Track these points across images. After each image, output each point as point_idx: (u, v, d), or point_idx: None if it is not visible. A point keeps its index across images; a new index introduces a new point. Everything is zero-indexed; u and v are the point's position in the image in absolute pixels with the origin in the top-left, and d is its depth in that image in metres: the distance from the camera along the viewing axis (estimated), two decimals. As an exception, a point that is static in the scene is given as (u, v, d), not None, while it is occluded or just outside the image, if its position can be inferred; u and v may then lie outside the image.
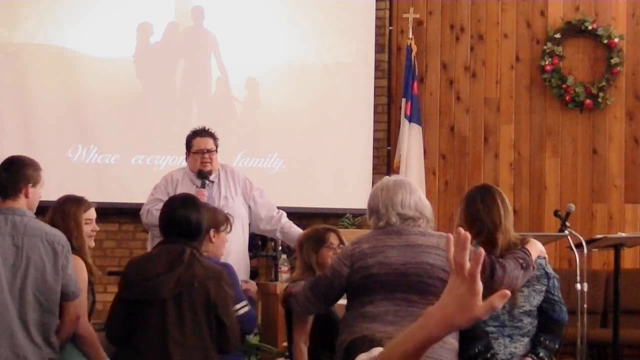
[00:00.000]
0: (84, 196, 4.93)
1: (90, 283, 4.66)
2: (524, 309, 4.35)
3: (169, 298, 4.20)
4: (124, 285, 4.34)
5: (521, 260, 4.22)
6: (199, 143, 6.20)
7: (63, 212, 4.69)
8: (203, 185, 6.11)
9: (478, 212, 4.33)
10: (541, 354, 4.43)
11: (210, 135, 6.25)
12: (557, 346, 4.51)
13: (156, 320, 4.21)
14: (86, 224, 4.73)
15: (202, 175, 6.15)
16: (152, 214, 5.95)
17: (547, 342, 4.44)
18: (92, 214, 4.81)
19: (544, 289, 4.41)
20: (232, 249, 6.09)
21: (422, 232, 4.14)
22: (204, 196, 6.02)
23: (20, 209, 4.42)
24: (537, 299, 4.38)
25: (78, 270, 4.54)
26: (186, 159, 6.32)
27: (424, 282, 4.04)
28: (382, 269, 4.08)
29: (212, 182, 6.19)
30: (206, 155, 6.17)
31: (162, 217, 4.41)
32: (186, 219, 4.33)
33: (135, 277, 4.27)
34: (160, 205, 5.94)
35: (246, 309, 4.66)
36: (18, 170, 4.49)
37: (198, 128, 6.33)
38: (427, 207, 4.21)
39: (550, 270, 4.50)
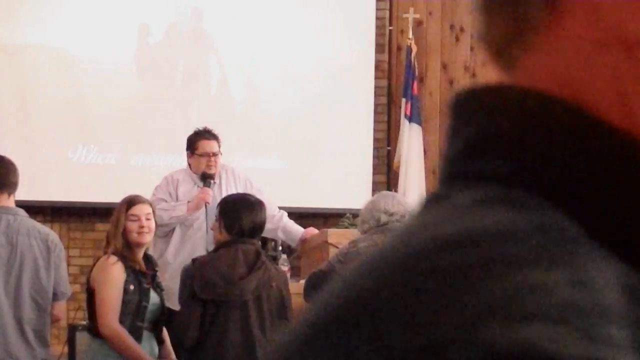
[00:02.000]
0: (139, 195, 4.82)
1: (139, 283, 4.52)
2: None
3: (250, 299, 4.27)
4: (201, 286, 4.33)
5: None
6: (204, 146, 6.14)
7: (115, 211, 4.64)
8: (208, 185, 6.11)
9: None
10: None
11: (215, 137, 6.21)
12: None
13: (239, 321, 4.28)
14: (131, 220, 4.64)
15: (207, 176, 6.15)
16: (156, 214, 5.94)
17: None
18: (137, 209, 4.68)
19: None
20: None
21: None
22: (209, 195, 6.03)
23: (14, 208, 4.41)
24: None
25: (108, 270, 4.47)
26: (188, 159, 6.28)
27: None
28: None
29: (215, 182, 6.19)
30: (212, 159, 6.14)
31: (232, 217, 4.44)
32: (254, 220, 4.43)
33: (216, 279, 4.29)
34: (163, 205, 5.95)
35: None
36: (14, 169, 4.48)
37: (201, 129, 6.28)
38: (412, 207, 4.36)
39: None
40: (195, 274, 4.38)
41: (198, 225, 6.07)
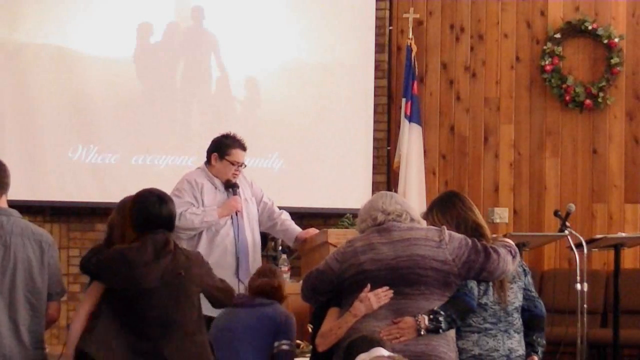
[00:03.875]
0: None
1: None
2: (515, 305, 4.42)
3: (158, 287, 4.28)
4: (109, 274, 4.30)
5: (509, 248, 4.36)
6: (238, 155, 6.13)
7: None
8: (235, 193, 6.13)
9: (460, 213, 4.43)
10: (539, 352, 4.52)
11: (246, 149, 6.21)
12: (544, 341, 4.60)
13: (146, 308, 4.27)
14: None
15: (231, 184, 6.15)
16: (185, 217, 5.94)
17: (539, 339, 4.55)
18: None
19: (523, 285, 4.49)
20: (250, 250, 6.16)
21: (409, 227, 4.28)
22: (239, 203, 6.10)
23: (7, 209, 4.38)
24: (520, 295, 4.47)
25: None
26: (213, 160, 6.16)
27: (416, 273, 4.15)
28: (374, 264, 4.19)
29: (238, 188, 6.20)
30: (240, 169, 6.16)
31: (142, 212, 4.40)
32: (167, 213, 4.42)
33: (121, 266, 4.27)
34: (194, 209, 6.02)
35: (287, 347, 4.89)
36: (5, 169, 4.45)
37: (236, 136, 6.20)
38: (410, 207, 4.42)
39: (525, 266, 4.59)
40: (108, 261, 4.31)
41: (226, 232, 6.10)
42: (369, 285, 4.13)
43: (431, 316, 4.10)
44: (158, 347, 4.26)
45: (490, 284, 4.34)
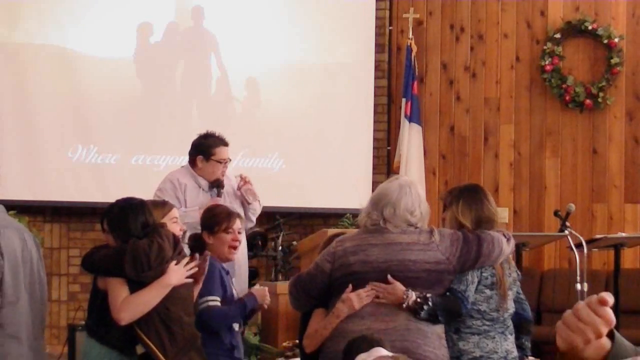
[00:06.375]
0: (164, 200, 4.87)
1: None
2: (510, 312, 4.41)
3: None
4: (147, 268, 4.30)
5: (500, 231, 4.35)
6: (221, 152, 6.11)
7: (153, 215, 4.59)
8: (219, 194, 6.09)
9: (484, 212, 4.39)
10: (529, 355, 4.53)
11: (228, 144, 6.19)
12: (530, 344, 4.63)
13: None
14: (174, 222, 4.66)
15: (217, 184, 6.12)
16: None
17: (527, 342, 4.56)
18: (176, 212, 4.72)
19: (517, 291, 4.49)
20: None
21: (403, 230, 4.21)
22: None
23: (1, 207, 4.39)
24: (512, 302, 4.46)
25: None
26: (199, 162, 6.15)
27: (407, 276, 4.12)
28: (364, 267, 4.16)
29: (222, 189, 6.17)
30: (226, 166, 6.14)
31: (139, 220, 4.40)
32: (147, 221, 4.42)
33: (153, 262, 4.27)
34: None
35: (214, 304, 4.55)
36: None
37: (215, 134, 6.19)
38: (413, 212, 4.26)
39: (518, 272, 4.58)
40: (143, 257, 4.30)
41: None
42: (350, 286, 4.11)
43: (419, 299, 4.08)
44: None
45: (494, 293, 4.30)
